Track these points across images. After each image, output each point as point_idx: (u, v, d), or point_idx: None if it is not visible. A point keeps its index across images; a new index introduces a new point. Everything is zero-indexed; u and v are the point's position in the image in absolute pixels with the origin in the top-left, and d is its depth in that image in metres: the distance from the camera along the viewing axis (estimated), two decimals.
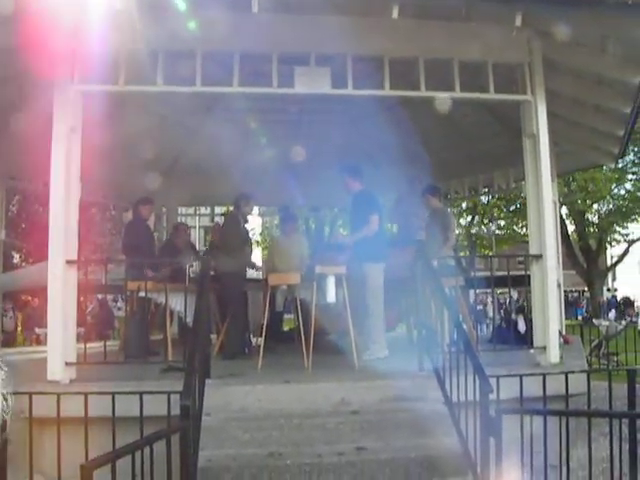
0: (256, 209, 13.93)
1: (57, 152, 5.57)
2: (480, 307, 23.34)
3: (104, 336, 10.07)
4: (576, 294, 43.36)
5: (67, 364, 5.48)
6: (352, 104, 8.09)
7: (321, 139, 10.08)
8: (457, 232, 20.31)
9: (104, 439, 3.96)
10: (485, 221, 29.14)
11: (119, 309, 18.87)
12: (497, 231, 29.23)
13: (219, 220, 10.57)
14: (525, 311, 8.49)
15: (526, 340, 6.52)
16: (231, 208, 8.59)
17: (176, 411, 3.85)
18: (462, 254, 22.06)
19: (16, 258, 21.43)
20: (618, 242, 29.97)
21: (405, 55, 6.01)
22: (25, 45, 5.48)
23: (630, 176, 25.38)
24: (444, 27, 5.97)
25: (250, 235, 9.76)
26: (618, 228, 28.25)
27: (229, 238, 7.62)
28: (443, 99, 6.54)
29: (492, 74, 6.01)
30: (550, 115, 6.31)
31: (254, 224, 32.65)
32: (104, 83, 5.79)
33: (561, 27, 5.64)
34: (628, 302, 24.35)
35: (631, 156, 23.78)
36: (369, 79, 6.05)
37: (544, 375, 4.66)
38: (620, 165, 22.69)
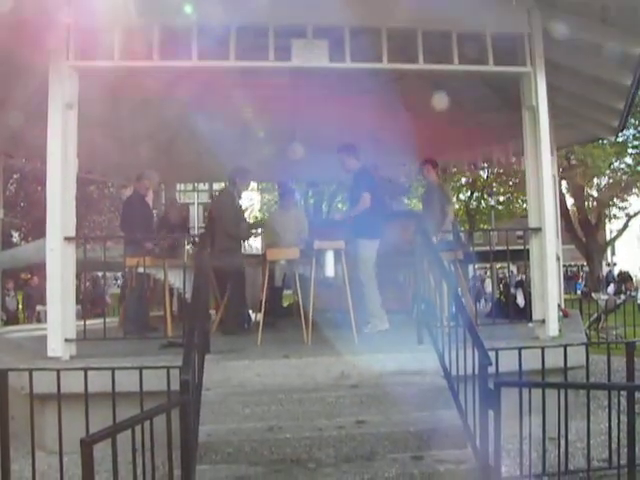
0: (255, 185, 13.94)
1: (53, 129, 5.54)
2: (478, 284, 23.43)
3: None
4: (575, 268, 43.46)
5: (67, 340, 5.51)
6: (350, 78, 8.04)
7: (318, 114, 10.01)
8: (456, 207, 20.32)
9: (104, 414, 3.96)
10: (484, 196, 29.05)
11: (118, 287, 18.86)
12: (497, 205, 29.15)
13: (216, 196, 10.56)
14: (524, 285, 8.48)
15: (525, 314, 6.53)
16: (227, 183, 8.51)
17: (176, 386, 3.86)
18: (461, 229, 22.09)
19: (15, 237, 21.44)
20: (617, 217, 29.93)
21: (403, 27, 5.94)
22: (19, 21, 5.42)
23: (630, 150, 25.24)
24: None
25: (244, 212, 9.73)
26: (618, 202, 28.18)
27: (224, 214, 7.58)
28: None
29: (491, 46, 5.95)
30: (550, 87, 6.27)
31: (253, 200, 32.56)
32: (99, 59, 5.73)
33: None
34: (627, 276, 24.33)
35: (631, 130, 23.64)
36: (367, 52, 5.98)
37: (543, 348, 4.66)
38: (621, 139, 22.55)
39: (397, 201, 9.09)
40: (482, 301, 20.76)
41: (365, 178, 7.09)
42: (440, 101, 7.94)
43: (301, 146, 9.94)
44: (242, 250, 8.12)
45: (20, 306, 17.92)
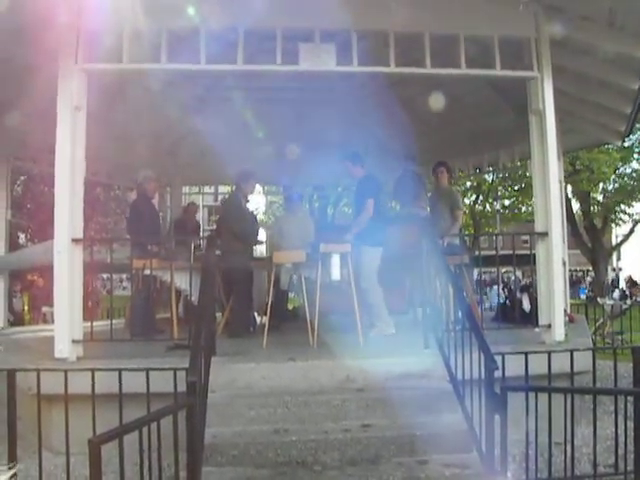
0: (260, 188, 13.98)
1: (62, 131, 5.57)
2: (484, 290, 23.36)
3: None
4: (580, 273, 43.34)
5: (74, 342, 5.53)
6: (356, 82, 8.07)
7: (324, 118, 10.03)
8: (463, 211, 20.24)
9: (111, 415, 3.98)
10: (490, 200, 28.96)
11: (124, 288, 18.88)
12: (502, 210, 29.06)
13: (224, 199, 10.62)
14: (530, 290, 8.46)
15: (531, 319, 6.51)
16: (233, 188, 8.55)
17: (182, 388, 3.88)
18: (467, 233, 22.06)
19: (22, 238, 21.49)
20: (624, 222, 29.79)
21: (410, 30, 5.94)
22: (29, 24, 5.46)
23: (636, 155, 25.14)
24: (449, 1, 5.91)
25: (254, 214, 9.75)
26: (624, 207, 28.07)
27: (231, 218, 7.60)
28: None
29: (498, 50, 5.95)
30: (556, 92, 6.26)
31: (259, 203, 32.55)
32: (107, 61, 5.75)
33: (568, 1, 5.57)
34: (633, 282, 24.26)
35: (638, 134, 23.52)
36: (374, 56, 5.99)
37: (549, 353, 4.66)
38: (627, 144, 22.46)
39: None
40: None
41: (369, 185, 7.10)
42: (443, 103, 7.96)
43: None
44: (251, 253, 8.13)
45: (26, 307, 17.95)
